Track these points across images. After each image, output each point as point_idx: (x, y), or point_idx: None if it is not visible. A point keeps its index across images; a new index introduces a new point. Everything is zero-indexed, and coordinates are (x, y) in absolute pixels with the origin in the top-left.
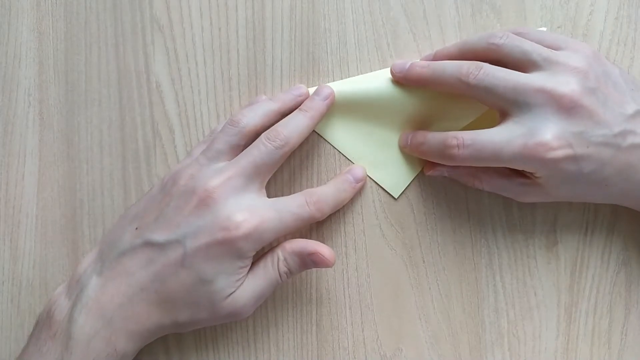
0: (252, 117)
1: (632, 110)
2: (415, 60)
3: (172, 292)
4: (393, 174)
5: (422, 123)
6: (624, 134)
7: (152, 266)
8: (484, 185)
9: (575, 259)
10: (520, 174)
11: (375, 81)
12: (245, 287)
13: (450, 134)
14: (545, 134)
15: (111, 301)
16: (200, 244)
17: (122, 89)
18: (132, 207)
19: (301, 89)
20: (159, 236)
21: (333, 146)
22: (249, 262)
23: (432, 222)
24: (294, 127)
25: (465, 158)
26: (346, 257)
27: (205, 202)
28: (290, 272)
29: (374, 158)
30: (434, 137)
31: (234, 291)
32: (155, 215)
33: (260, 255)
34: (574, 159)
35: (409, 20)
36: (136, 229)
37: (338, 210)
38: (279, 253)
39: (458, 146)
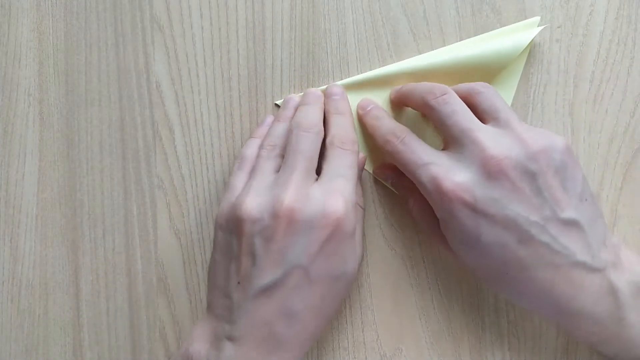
0: (283, 137)
1: (566, 216)
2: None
3: (316, 307)
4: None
5: (421, 116)
6: (541, 227)
7: (283, 307)
8: (412, 208)
9: None
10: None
11: (377, 75)
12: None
13: (400, 127)
14: (457, 176)
15: (256, 356)
16: (313, 251)
17: (122, 89)
18: (212, 272)
19: (293, 99)
20: (270, 277)
21: None
22: (358, 231)
23: None
24: (347, 126)
25: (395, 152)
26: None
27: (292, 217)
28: (359, 197)
29: (374, 154)
30: (385, 125)
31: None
32: (249, 261)
33: None
34: (472, 209)
35: (409, 20)
36: (238, 283)
37: None
38: None
39: (398, 138)
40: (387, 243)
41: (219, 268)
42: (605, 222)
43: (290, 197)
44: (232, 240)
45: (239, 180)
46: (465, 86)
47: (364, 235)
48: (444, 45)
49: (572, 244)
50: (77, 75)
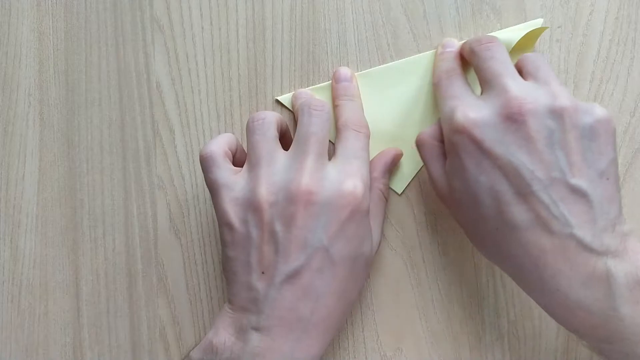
0: (270, 113)
1: (576, 183)
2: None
3: (339, 290)
4: (395, 169)
5: (422, 117)
6: (544, 186)
7: (309, 291)
8: (424, 143)
9: None
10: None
11: (374, 77)
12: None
13: (455, 68)
14: (473, 113)
15: (284, 344)
16: (333, 232)
17: (122, 89)
18: (228, 268)
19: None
20: (295, 262)
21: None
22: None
23: (432, 222)
24: (359, 110)
25: (438, 83)
26: None
27: (310, 199)
28: (385, 187)
29: (374, 153)
30: (445, 64)
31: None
32: (272, 249)
33: None
34: (478, 146)
35: (409, 20)
36: (262, 273)
37: None
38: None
39: (447, 73)
40: (387, 243)
41: (236, 264)
42: (622, 210)
43: (306, 179)
44: (251, 230)
45: (224, 177)
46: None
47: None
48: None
49: (573, 215)
50: (77, 75)
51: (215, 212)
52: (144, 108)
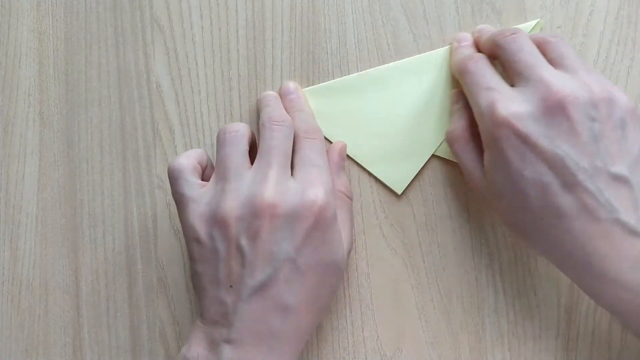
0: (243, 125)
1: (617, 171)
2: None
3: (309, 299)
4: (395, 169)
5: (422, 114)
6: (589, 176)
7: (277, 303)
8: (456, 139)
9: None
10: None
11: (372, 76)
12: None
13: (478, 54)
14: (514, 106)
15: (256, 354)
16: (299, 242)
17: (122, 89)
18: (197, 283)
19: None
20: (262, 275)
21: (330, 141)
22: (337, 218)
23: (432, 222)
24: (309, 119)
25: (466, 72)
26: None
27: (274, 212)
28: (345, 187)
29: (373, 153)
30: (465, 51)
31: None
32: (238, 263)
33: None
34: (523, 140)
35: (409, 20)
36: (230, 287)
37: None
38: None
39: (473, 60)
40: (387, 243)
41: (204, 278)
42: None
43: (269, 192)
44: (218, 245)
45: (191, 190)
46: (534, 35)
47: (363, 235)
48: (443, 45)
49: (617, 201)
50: (77, 75)
51: (182, 226)
52: (144, 108)
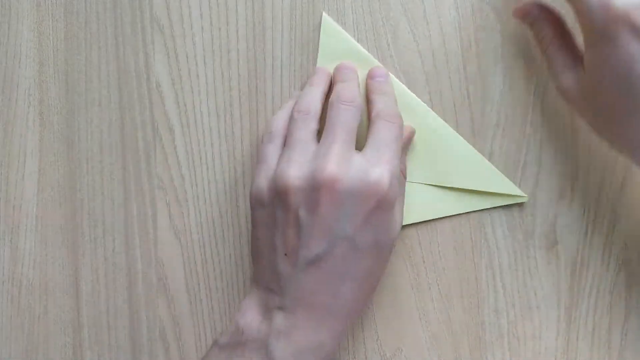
0: (316, 103)
1: None
2: (414, 62)
3: (363, 276)
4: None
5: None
6: None
7: (331, 278)
8: (546, 47)
9: (575, 259)
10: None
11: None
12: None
13: None
14: None
15: (307, 324)
16: (359, 223)
17: (122, 89)
18: (255, 248)
19: (325, 69)
20: (317, 249)
21: None
22: (402, 201)
23: (432, 222)
24: (392, 104)
25: None
26: None
27: (334, 187)
28: (404, 167)
29: None
30: None
31: None
32: (295, 233)
33: None
34: (638, 34)
35: (409, 20)
36: (285, 255)
37: None
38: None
39: None
40: None
41: (262, 244)
42: None
43: (332, 166)
44: (277, 212)
45: (272, 153)
46: None
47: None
48: (443, 44)
49: None
50: (77, 75)
51: (251, 187)
52: (144, 108)
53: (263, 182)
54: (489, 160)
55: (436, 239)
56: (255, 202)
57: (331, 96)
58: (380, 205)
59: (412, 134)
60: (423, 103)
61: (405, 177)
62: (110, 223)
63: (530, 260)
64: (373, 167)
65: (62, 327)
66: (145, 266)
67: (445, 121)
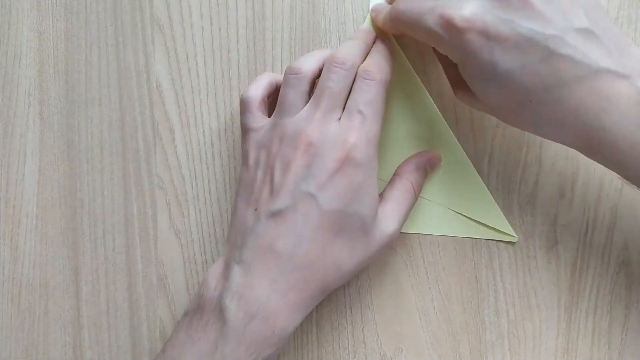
0: (310, 64)
1: (579, 25)
2: (414, 61)
3: (323, 241)
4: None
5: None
6: (559, 39)
7: (290, 231)
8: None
9: (575, 259)
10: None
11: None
12: (386, 208)
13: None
14: (464, 9)
15: (261, 282)
16: (323, 181)
17: (122, 89)
18: (236, 201)
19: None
20: (282, 202)
21: None
22: (374, 172)
23: None
24: (380, 56)
25: (398, 14)
26: None
27: (307, 150)
28: (416, 183)
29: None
30: (385, 9)
31: (378, 212)
32: (268, 189)
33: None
34: (485, 36)
35: None
36: (255, 210)
37: None
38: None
39: (397, 2)
40: None
41: (239, 200)
42: (622, 33)
43: (310, 130)
44: (258, 172)
45: (258, 122)
46: None
47: None
48: None
49: (592, 52)
50: (77, 75)
51: (242, 153)
52: (144, 108)
53: (251, 147)
54: (489, 160)
55: (436, 239)
56: (243, 165)
57: (326, 59)
58: (345, 166)
59: (438, 159)
60: (451, 131)
61: (415, 193)
62: (110, 223)
63: (530, 260)
64: (346, 134)
65: (62, 327)
66: (145, 266)
67: (446, 121)
